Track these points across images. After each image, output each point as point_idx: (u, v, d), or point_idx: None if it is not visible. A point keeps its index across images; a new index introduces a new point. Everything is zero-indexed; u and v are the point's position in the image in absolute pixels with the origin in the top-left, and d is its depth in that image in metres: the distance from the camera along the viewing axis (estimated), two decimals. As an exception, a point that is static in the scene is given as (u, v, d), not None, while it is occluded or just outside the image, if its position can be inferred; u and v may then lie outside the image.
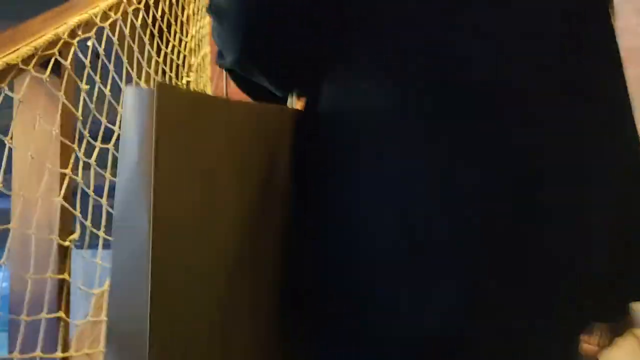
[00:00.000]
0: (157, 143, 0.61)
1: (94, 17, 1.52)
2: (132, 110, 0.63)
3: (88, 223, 1.46)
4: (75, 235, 1.37)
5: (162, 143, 0.61)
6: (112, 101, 1.65)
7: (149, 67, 1.93)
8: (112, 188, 1.71)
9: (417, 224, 0.66)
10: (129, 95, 0.63)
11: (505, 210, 0.67)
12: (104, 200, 1.57)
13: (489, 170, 0.67)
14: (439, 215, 0.66)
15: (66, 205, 1.35)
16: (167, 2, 2.12)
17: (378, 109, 0.69)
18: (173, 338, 0.62)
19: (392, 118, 0.68)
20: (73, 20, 1.41)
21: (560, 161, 0.69)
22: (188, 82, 2.28)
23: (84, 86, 1.46)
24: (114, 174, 1.68)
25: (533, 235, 0.67)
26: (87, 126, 1.51)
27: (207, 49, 2.70)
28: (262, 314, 0.71)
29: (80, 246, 1.51)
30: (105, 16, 1.61)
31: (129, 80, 1.77)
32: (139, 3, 1.81)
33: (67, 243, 1.34)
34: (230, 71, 0.81)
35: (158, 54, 2.04)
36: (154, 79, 1.96)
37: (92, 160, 1.52)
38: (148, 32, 1.93)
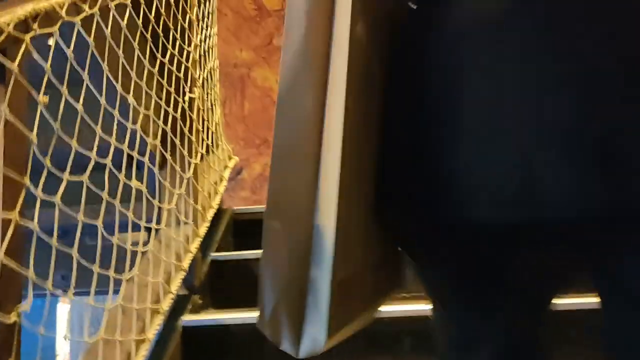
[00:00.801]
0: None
1: (57, 8, 1.14)
2: None
3: (49, 285, 1.06)
4: (26, 306, 0.97)
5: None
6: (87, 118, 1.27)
7: (141, 78, 1.55)
8: (88, 231, 1.33)
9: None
10: None
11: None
12: (74, 251, 1.17)
13: None
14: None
15: (11, 264, 0.95)
16: (164, 2, 1.75)
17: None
18: (340, 203, 0.66)
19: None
20: (23, 9, 1.03)
21: None
22: (191, 99, 1.90)
23: (42, 98, 1.07)
24: (90, 215, 1.29)
25: None
26: (49, 152, 1.13)
27: (215, 63, 2.32)
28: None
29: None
30: (75, 9, 1.23)
31: (111, 92, 1.39)
32: (124, -4, 1.43)
33: (12, 318, 0.95)
34: None
35: (152, 64, 1.66)
36: (147, 93, 1.57)
37: (57, 198, 1.13)
38: (138, 35, 1.55)
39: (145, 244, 1.60)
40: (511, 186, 0.66)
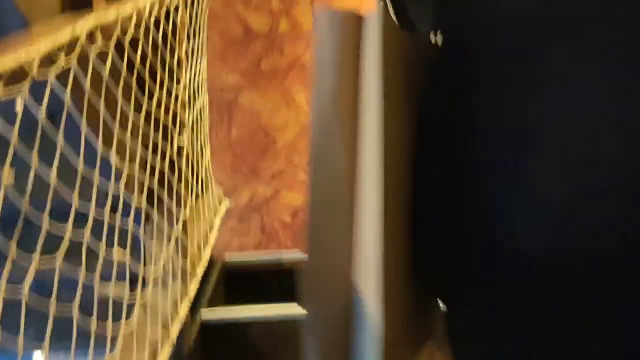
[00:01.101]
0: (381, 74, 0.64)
1: (26, 66, 0.97)
2: (328, 34, 0.64)
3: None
4: None
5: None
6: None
7: (125, 131, 1.38)
8: (66, 286, 1.15)
9: None
10: (324, 19, 0.64)
11: None
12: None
13: None
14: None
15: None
16: (151, 42, 1.58)
17: None
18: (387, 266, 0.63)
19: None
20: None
21: None
22: (180, 148, 1.73)
23: (8, 175, 0.91)
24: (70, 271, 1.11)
25: None
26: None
27: (205, 99, 2.16)
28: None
29: None
30: (49, 61, 1.06)
31: (91, 150, 1.22)
32: (109, 41, 1.27)
33: None
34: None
35: (137, 113, 1.49)
36: (130, 146, 1.41)
37: (26, 286, 0.96)
38: (122, 82, 1.38)
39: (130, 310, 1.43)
40: (567, 214, 0.63)
